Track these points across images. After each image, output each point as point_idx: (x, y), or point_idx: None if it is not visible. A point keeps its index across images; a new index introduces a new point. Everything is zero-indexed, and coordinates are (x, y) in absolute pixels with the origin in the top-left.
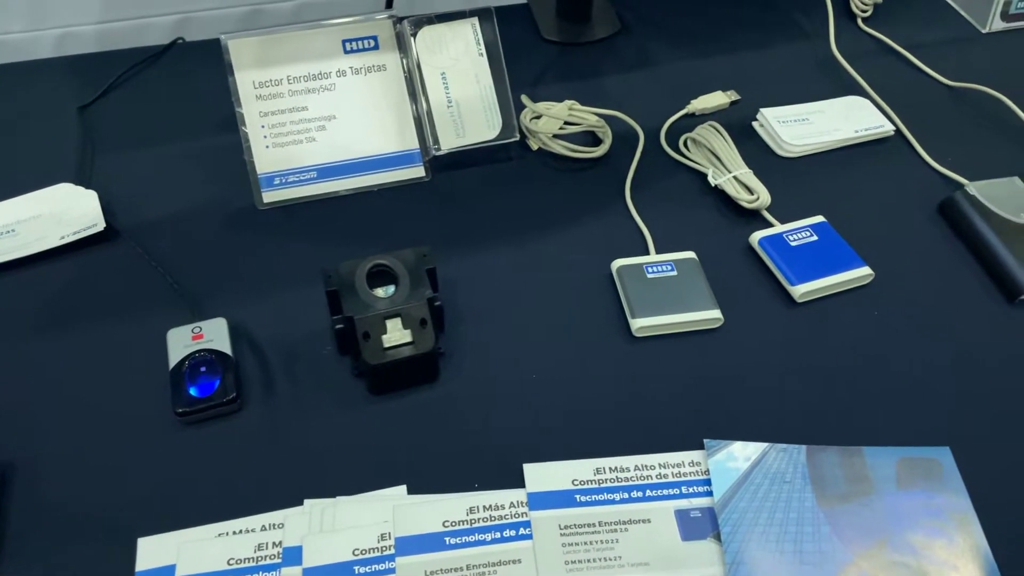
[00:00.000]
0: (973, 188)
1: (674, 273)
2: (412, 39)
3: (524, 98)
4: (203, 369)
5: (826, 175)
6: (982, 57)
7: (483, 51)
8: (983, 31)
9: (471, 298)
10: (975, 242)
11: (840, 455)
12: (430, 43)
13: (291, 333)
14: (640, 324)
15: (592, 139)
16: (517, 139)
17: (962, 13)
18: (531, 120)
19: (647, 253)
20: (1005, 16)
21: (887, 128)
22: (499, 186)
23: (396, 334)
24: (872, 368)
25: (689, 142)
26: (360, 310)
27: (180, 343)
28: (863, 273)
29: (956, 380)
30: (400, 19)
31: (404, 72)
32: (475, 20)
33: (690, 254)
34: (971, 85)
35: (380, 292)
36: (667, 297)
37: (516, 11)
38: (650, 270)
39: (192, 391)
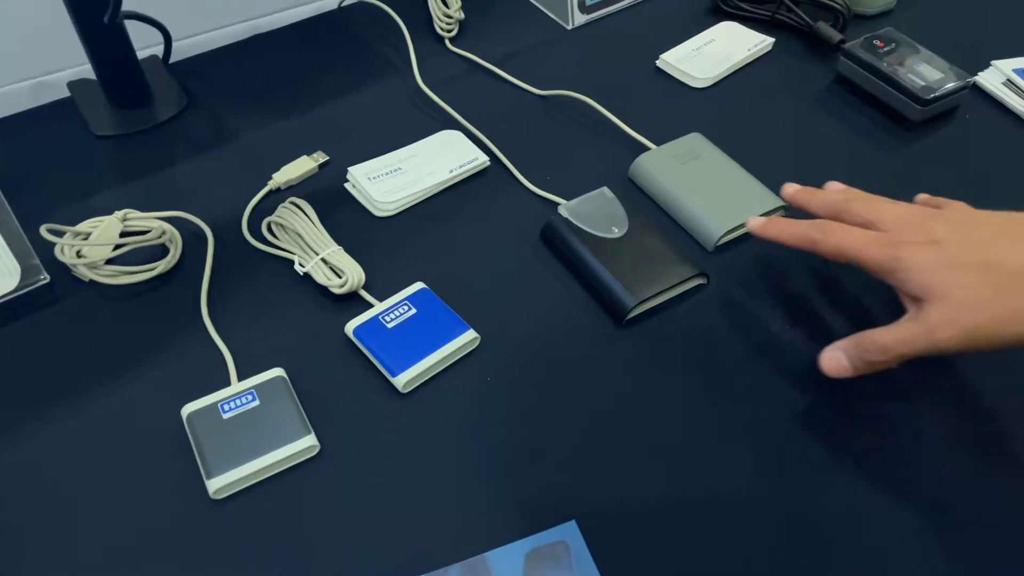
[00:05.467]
0: (565, 210)
1: (256, 403)
2: None
3: (44, 230)
4: None
5: (427, 228)
6: (569, 57)
7: None
8: (568, 28)
9: (24, 497)
10: (577, 267)
11: (463, 571)
12: None
13: None
14: (218, 484)
15: (162, 249)
16: (47, 280)
17: (548, 14)
18: (73, 249)
19: (229, 382)
20: (583, 8)
21: (482, 160)
22: (38, 343)
23: None
24: (485, 451)
25: (272, 226)
26: None
27: None
28: (469, 338)
29: (577, 431)
30: None
31: None
32: None
33: (276, 372)
34: (560, 92)
35: None
36: (249, 437)
37: (55, 109)
38: (227, 408)
39: None
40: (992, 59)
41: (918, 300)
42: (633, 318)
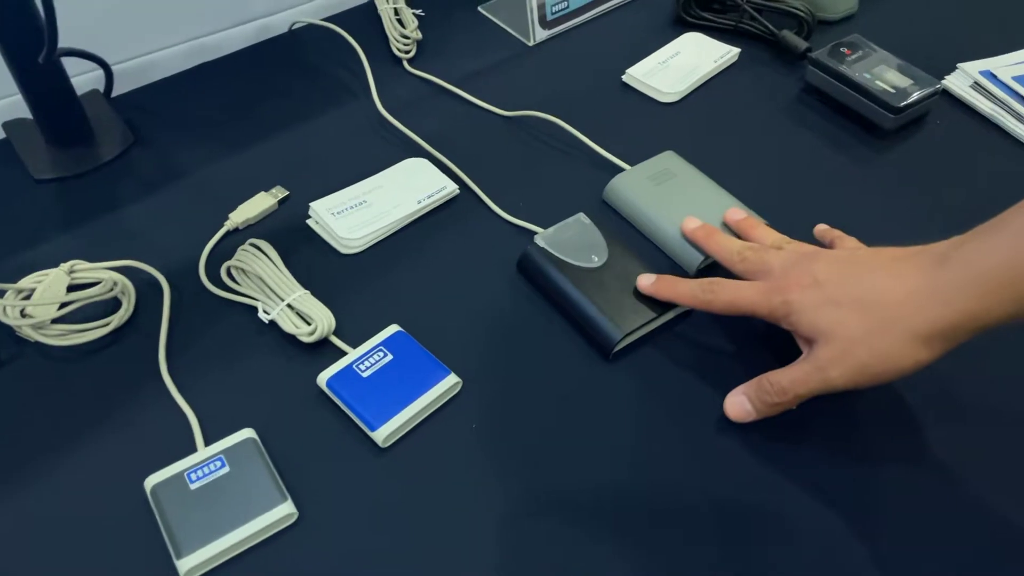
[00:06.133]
0: (542, 240)
1: (226, 470)
2: None
3: None
4: None
5: (398, 265)
6: (533, 75)
7: None
8: (530, 44)
9: None
10: (558, 300)
11: None
12: None
13: None
14: (189, 564)
15: (114, 303)
16: None
17: (508, 30)
18: (15, 309)
19: (195, 447)
20: (544, 24)
21: (451, 188)
22: None
23: None
24: (475, 505)
25: (232, 271)
26: None
27: None
28: (450, 383)
29: (572, 476)
30: None
31: None
32: None
33: (246, 434)
34: (526, 112)
35: None
36: (220, 509)
37: None
38: (194, 477)
39: None
40: (957, 61)
41: (810, 341)
42: (620, 350)
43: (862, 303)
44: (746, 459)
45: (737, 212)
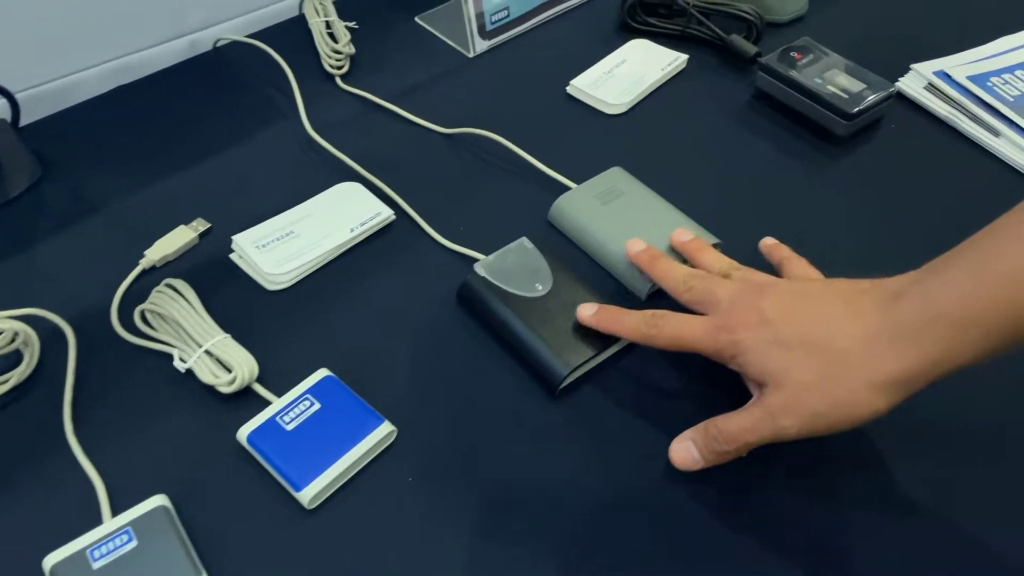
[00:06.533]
0: (482, 268)
1: (133, 544)
2: None
3: None
4: None
5: (328, 300)
6: (473, 89)
7: None
8: (470, 56)
9: None
10: (500, 333)
11: None
12: None
13: None
14: None
15: (15, 356)
16: None
17: (447, 42)
18: None
19: (100, 518)
20: (484, 34)
21: (386, 214)
22: None
23: None
24: (419, 567)
25: (147, 315)
26: None
27: None
28: (384, 432)
29: (520, 528)
30: None
31: None
32: None
33: (157, 502)
34: (466, 129)
35: None
36: None
37: None
38: (97, 554)
39: None
40: (911, 62)
41: (760, 384)
42: (568, 385)
43: (814, 346)
44: (701, 501)
45: (684, 233)
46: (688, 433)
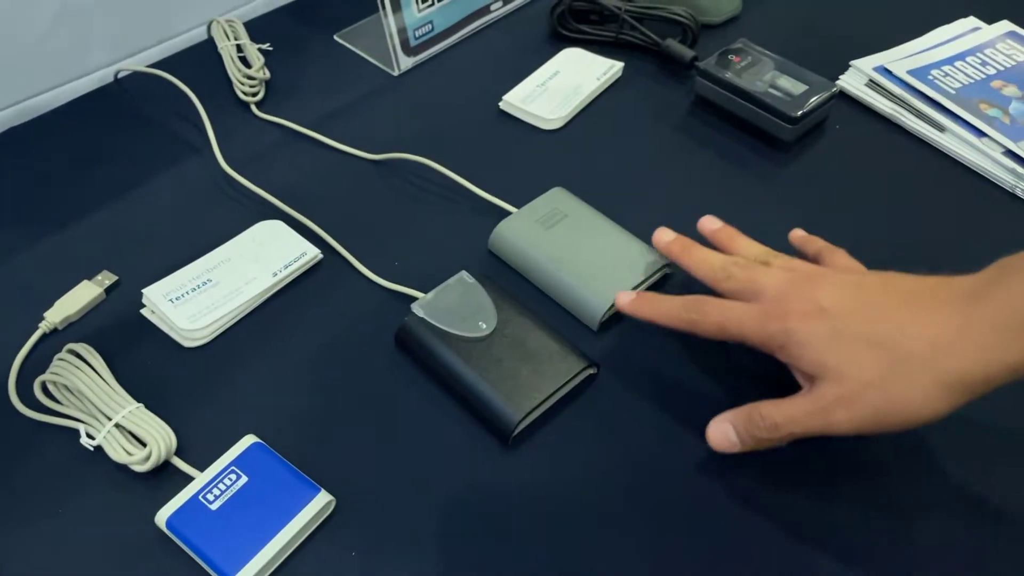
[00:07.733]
0: (420, 308)
1: None
2: None
3: None
4: None
5: (253, 354)
6: (401, 110)
7: None
8: (394, 74)
9: None
10: (444, 379)
11: None
12: None
13: None
14: None
15: None
16: None
17: (370, 59)
18: None
19: None
20: (408, 50)
21: (312, 253)
22: None
23: None
24: None
25: (49, 387)
26: None
27: None
28: (322, 503)
29: None
30: None
31: None
32: None
33: None
34: (395, 154)
35: None
36: None
37: None
38: None
39: None
40: (849, 59)
41: (811, 377)
42: (521, 431)
43: (880, 341)
44: (684, 547)
45: (713, 221)
46: (728, 415)
